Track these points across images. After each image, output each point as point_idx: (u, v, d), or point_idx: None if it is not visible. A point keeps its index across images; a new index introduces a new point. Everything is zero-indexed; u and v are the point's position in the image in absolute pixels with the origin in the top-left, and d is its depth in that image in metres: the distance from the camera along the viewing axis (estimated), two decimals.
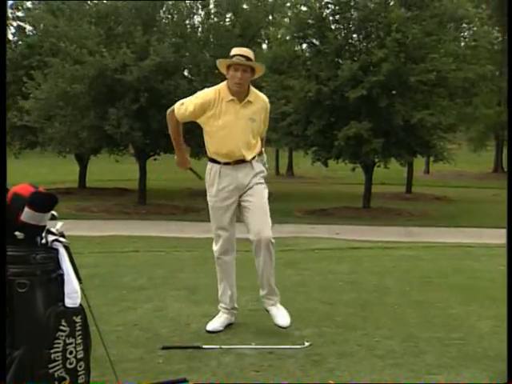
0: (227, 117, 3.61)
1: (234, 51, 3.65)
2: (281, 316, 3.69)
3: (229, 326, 3.77)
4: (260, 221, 3.65)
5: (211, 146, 3.70)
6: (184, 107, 3.67)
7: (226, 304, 3.78)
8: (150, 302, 4.34)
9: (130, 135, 13.90)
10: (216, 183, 3.68)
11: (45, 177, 20.28)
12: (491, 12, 24.26)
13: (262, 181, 3.75)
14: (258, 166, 3.74)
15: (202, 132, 3.86)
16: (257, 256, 3.72)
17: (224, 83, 3.67)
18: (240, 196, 3.70)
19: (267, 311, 3.76)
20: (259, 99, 3.72)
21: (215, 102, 3.61)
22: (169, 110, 3.75)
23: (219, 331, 3.67)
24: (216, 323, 3.72)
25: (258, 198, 3.68)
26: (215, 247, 3.78)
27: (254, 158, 3.71)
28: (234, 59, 3.58)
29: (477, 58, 15.22)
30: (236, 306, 3.84)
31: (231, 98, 3.61)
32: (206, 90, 3.75)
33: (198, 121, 3.71)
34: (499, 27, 25.98)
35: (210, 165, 3.73)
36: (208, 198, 3.75)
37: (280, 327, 3.64)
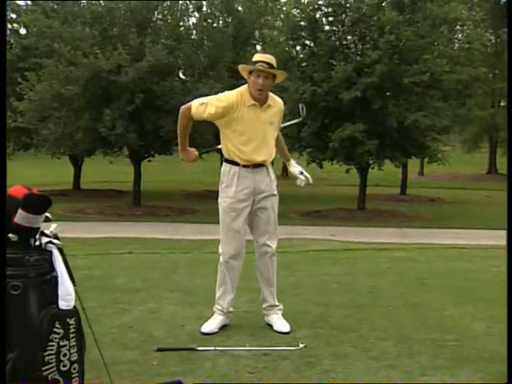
0: (249, 121, 3.62)
1: (257, 57, 3.66)
2: (282, 323, 3.73)
3: (223, 327, 3.76)
4: (269, 235, 3.76)
5: (232, 148, 3.66)
6: (204, 108, 3.60)
7: (223, 307, 3.77)
8: (144, 304, 4.33)
9: (124, 137, 13.89)
10: (234, 185, 3.66)
11: (39, 178, 20.23)
12: (484, 15, 24.42)
13: (276, 191, 3.80)
14: (273, 173, 3.78)
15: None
16: (260, 269, 3.80)
17: (245, 87, 3.67)
18: (253, 200, 3.70)
19: (268, 320, 3.80)
20: (277, 102, 3.76)
21: (237, 105, 3.61)
22: (184, 107, 3.68)
23: (214, 333, 3.67)
24: (212, 325, 3.71)
25: (272, 212, 3.75)
26: (223, 250, 3.75)
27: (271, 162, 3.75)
28: (257, 66, 3.59)
29: (470, 59, 15.30)
30: (232, 309, 3.83)
31: (253, 102, 3.62)
32: (227, 92, 3.72)
33: (216, 122, 3.69)
34: (492, 29, 26.13)
35: (227, 166, 3.70)
36: (222, 200, 3.72)
37: (281, 333, 3.66)
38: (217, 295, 3.80)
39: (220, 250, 3.77)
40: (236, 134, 3.64)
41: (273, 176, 3.78)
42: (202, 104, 3.62)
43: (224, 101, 3.61)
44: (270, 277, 3.80)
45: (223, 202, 3.71)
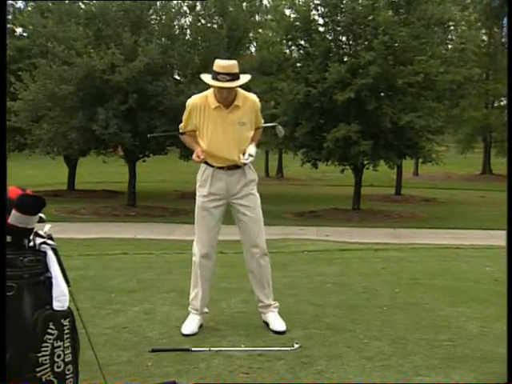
0: (215, 123, 3.61)
1: (217, 68, 3.51)
2: (278, 322, 3.72)
3: (217, 328, 3.77)
4: (254, 235, 3.71)
5: (204, 153, 3.67)
6: (182, 124, 3.74)
7: (197, 308, 3.76)
8: (138, 305, 4.32)
9: (118, 136, 13.86)
10: (208, 185, 3.69)
11: (33, 179, 20.16)
12: (478, 16, 24.52)
13: (255, 189, 3.75)
14: (250, 173, 3.73)
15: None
16: (252, 270, 3.78)
17: (212, 89, 3.64)
18: (231, 202, 3.70)
19: (265, 318, 3.79)
20: (247, 101, 3.68)
21: (201, 108, 3.62)
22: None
23: (195, 333, 3.66)
24: (192, 326, 3.70)
25: (254, 212, 3.71)
26: (196, 249, 3.77)
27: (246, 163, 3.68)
28: (219, 78, 3.48)
29: (463, 60, 15.37)
30: (206, 310, 3.82)
31: (217, 104, 3.60)
32: (193, 97, 3.74)
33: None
34: (485, 30, 26.22)
35: (203, 166, 3.72)
36: (197, 199, 3.75)
37: (277, 332, 3.65)
38: (190, 296, 3.80)
39: (194, 250, 3.77)
40: (205, 137, 3.64)
41: (251, 177, 3.72)
42: (183, 120, 3.72)
43: (189, 105, 3.67)
44: (261, 279, 3.77)
45: (197, 200, 3.74)
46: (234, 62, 3.57)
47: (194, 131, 3.72)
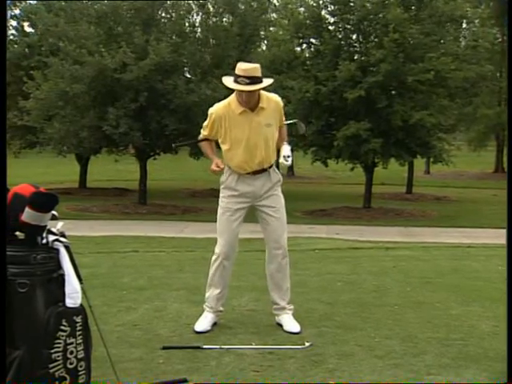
0: (242, 128, 3.60)
1: (239, 71, 3.51)
2: (292, 324, 3.72)
3: (228, 326, 3.78)
4: (278, 236, 3.74)
5: (231, 160, 3.66)
6: (205, 129, 3.73)
7: (212, 306, 3.78)
8: (149, 302, 4.34)
9: (128, 135, 13.91)
10: (233, 188, 3.70)
11: (44, 177, 20.28)
12: (490, 12, 24.29)
13: (279, 190, 3.77)
14: (275, 175, 3.74)
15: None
16: (272, 271, 3.78)
17: (234, 95, 3.63)
18: (255, 205, 3.72)
19: (279, 320, 3.78)
20: (271, 102, 3.67)
21: (225, 116, 3.61)
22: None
23: (208, 331, 3.67)
24: (205, 324, 3.72)
25: (278, 213, 3.73)
26: (217, 249, 3.77)
27: (271, 166, 3.71)
28: (238, 81, 3.49)
29: (477, 58, 15.24)
30: (222, 308, 3.83)
31: (243, 109, 3.58)
32: (216, 105, 3.71)
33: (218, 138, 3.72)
34: (499, 27, 25.98)
35: (229, 169, 3.70)
36: (221, 199, 3.76)
37: (291, 333, 3.64)
38: (206, 294, 3.81)
39: (216, 250, 3.77)
40: (232, 144, 3.62)
41: (275, 179, 3.74)
42: (203, 129, 3.75)
43: (213, 114, 3.66)
44: (279, 280, 3.78)
45: (221, 201, 3.76)
46: (255, 66, 3.56)
47: (213, 140, 3.74)
